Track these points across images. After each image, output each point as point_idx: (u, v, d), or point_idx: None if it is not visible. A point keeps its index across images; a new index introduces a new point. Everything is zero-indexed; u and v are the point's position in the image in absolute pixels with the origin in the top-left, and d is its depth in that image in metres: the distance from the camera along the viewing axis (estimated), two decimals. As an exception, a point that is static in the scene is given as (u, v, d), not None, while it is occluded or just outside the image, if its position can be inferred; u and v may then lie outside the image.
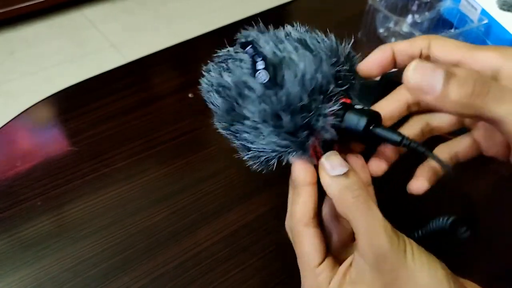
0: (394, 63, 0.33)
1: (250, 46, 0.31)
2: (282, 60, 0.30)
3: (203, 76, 0.35)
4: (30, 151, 0.54)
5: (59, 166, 0.51)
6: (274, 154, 0.31)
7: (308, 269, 0.31)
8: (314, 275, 0.31)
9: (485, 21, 0.64)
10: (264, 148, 0.31)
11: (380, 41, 0.68)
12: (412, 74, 0.26)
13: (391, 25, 0.66)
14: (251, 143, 0.32)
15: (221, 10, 2.04)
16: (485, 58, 0.29)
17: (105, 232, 0.45)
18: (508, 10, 0.65)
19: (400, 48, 0.32)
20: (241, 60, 0.32)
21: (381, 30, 0.69)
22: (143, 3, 2.11)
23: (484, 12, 0.65)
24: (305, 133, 0.30)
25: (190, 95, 0.61)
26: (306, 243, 0.31)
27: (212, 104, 0.34)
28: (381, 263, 0.27)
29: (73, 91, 0.62)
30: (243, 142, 0.33)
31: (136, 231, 0.45)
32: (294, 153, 0.31)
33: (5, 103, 1.58)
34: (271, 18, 0.83)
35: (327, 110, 0.30)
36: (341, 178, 0.29)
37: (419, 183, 0.34)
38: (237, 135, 0.33)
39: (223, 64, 0.33)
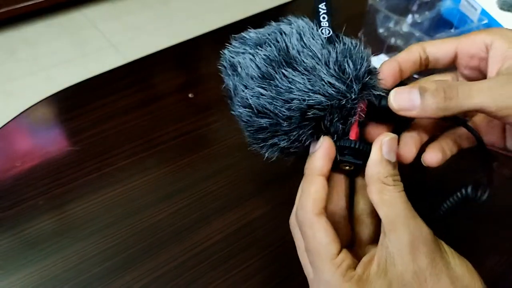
0: (401, 72, 0.35)
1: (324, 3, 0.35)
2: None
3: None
4: (31, 151, 0.54)
5: (60, 165, 0.51)
6: (323, 99, 0.31)
7: (325, 261, 0.30)
8: (334, 265, 0.30)
9: (485, 21, 0.64)
10: (319, 90, 0.31)
11: (380, 41, 0.68)
12: (394, 100, 0.32)
13: (391, 25, 0.66)
14: (306, 85, 0.32)
15: (221, 10, 2.04)
16: (478, 40, 0.34)
17: (107, 231, 0.45)
18: (508, 10, 0.66)
19: (402, 58, 0.35)
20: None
21: (381, 30, 0.69)
22: (143, 3, 2.11)
23: (484, 12, 0.65)
24: (359, 86, 0.32)
25: (190, 95, 0.61)
26: (321, 233, 0.30)
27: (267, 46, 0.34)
28: (417, 246, 0.28)
29: (73, 91, 0.62)
30: (291, 86, 0.32)
31: (138, 230, 0.45)
32: (337, 115, 0.31)
33: (5, 103, 1.58)
34: (271, 18, 0.83)
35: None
36: (389, 164, 0.30)
37: (433, 155, 0.35)
38: (289, 79, 0.32)
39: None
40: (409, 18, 0.69)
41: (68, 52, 1.81)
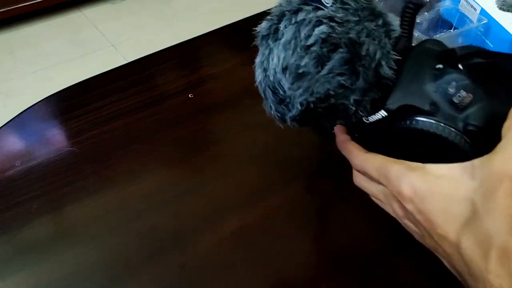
0: None
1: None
2: None
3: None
4: (30, 152, 0.54)
5: (59, 167, 0.51)
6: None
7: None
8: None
9: (485, 21, 0.64)
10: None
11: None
12: None
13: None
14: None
15: (222, 10, 2.04)
16: None
17: (107, 235, 0.44)
18: (508, 10, 0.65)
19: None
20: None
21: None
22: (143, 3, 2.10)
23: (483, 12, 0.65)
24: None
25: (190, 95, 0.61)
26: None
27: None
28: None
29: (73, 91, 0.62)
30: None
31: (138, 234, 0.44)
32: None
33: (5, 103, 1.58)
34: (271, 18, 0.83)
35: None
36: None
37: None
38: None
39: None
40: (409, 18, 0.69)
41: (68, 52, 1.81)
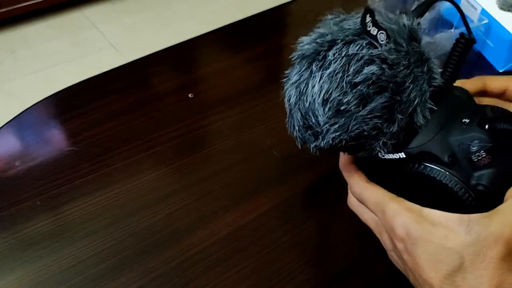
0: None
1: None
2: None
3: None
4: (30, 151, 0.54)
5: (58, 166, 0.51)
6: None
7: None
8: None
9: (485, 21, 0.64)
10: None
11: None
12: None
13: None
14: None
15: (221, 10, 2.04)
16: None
17: (104, 232, 0.45)
18: (508, 10, 0.65)
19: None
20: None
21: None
22: (143, 3, 2.10)
23: (484, 12, 0.65)
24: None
25: (190, 95, 0.61)
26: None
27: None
28: None
29: (73, 91, 0.62)
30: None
31: (134, 232, 0.45)
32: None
33: (5, 103, 1.58)
34: (271, 18, 0.83)
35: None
36: None
37: None
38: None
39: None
40: (409, 18, 0.69)
41: (68, 52, 1.81)
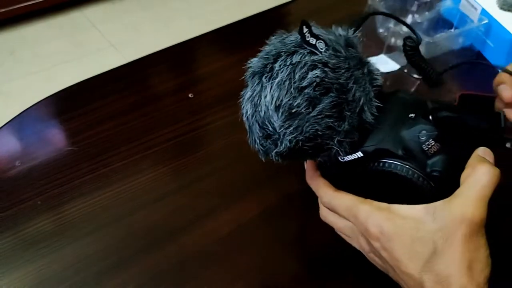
0: None
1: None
2: None
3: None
4: (30, 151, 0.54)
5: (59, 165, 0.51)
6: None
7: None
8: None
9: (485, 21, 0.64)
10: None
11: (380, 41, 0.68)
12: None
13: (391, 25, 0.66)
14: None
15: (221, 10, 2.04)
16: None
17: (104, 230, 0.45)
18: (508, 10, 0.65)
19: None
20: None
21: (381, 30, 0.69)
22: (142, 3, 2.10)
23: (484, 12, 0.65)
24: None
25: (190, 95, 0.61)
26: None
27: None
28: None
29: (73, 91, 0.62)
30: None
31: (134, 230, 0.45)
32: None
33: (5, 103, 1.58)
34: (271, 18, 0.83)
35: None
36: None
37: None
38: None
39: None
40: (409, 18, 0.69)
41: (68, 52, 1.81)
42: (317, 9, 0.79)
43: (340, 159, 0.36)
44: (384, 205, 0.33)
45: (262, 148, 0.37)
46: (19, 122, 0.57)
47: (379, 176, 0.36)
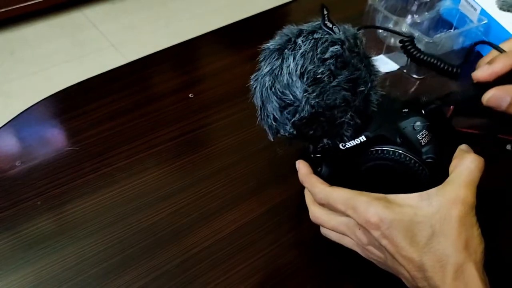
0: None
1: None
2: None
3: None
4: (30, 151, 0.54)
5: (59, 165, 0.51)
6: None
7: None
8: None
9: (485, 21, 0.64)
10: None
11: (379, 41, 0.68)
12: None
13: (391, 25, 0.66)
14: None
15: (221, 10, 2.04)
16: None
17: (106, 231, 0.45)
18: (508, 10, 0.66)
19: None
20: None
21: (380, 30, 0.69)
22: (142, 3, 2.11)
23: (483, 12, 0.65)
24: None
25: (190, 95, 0.61)
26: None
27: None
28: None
29: (73, 91, 0.62)
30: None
31: (137, 230, 0.45)
32: None
33: (5, 103, 1.58)
34: (271, 18, 0.83)
35: None
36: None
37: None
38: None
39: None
40: (409, 18, 0.69)
41: (68, 52, 1.81)
42: (318, 9, 0.79)
43: (341, 146, 0.39)
44: (380, 195, 0.35)
45: (274, 123, 0.38)
46: (19, 122, 0.57)
47: (376, 166, 0.38)
